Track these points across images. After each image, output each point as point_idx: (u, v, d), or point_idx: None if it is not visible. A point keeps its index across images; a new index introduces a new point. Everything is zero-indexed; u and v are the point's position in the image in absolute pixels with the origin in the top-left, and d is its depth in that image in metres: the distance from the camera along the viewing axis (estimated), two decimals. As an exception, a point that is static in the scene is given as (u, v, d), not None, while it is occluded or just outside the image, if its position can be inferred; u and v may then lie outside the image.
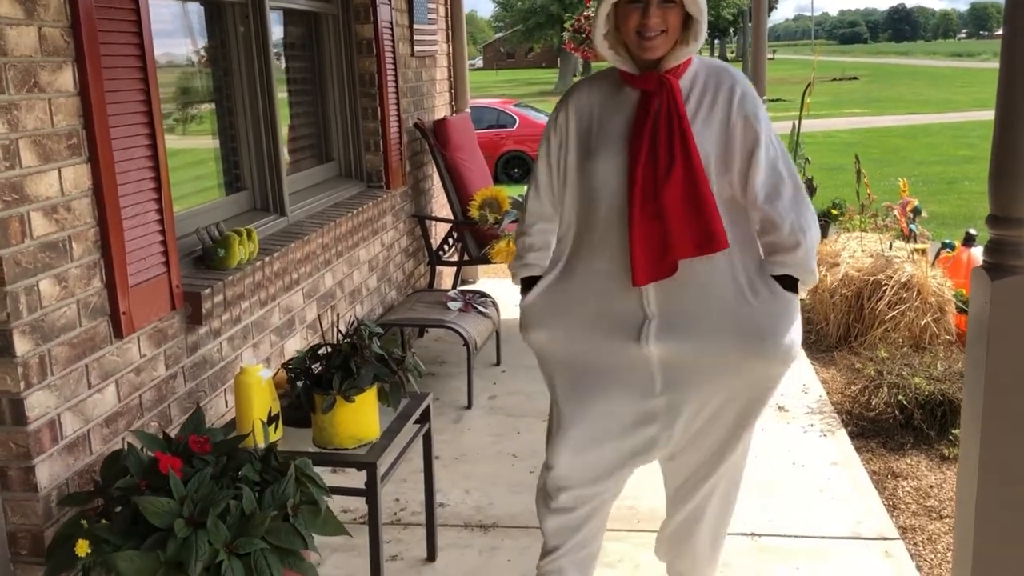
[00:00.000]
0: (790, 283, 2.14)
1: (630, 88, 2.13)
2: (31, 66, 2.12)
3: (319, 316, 3.79)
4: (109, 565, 1.87)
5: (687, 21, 2.04)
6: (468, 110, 6.28)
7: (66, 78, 2.24)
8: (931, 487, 3.42)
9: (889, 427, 3.86)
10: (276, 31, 4.07)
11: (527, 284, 2.34)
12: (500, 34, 75.28)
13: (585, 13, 5.99)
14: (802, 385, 4.38)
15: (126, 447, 2.21)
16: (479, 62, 76.97)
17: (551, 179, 2.27)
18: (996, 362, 1.91)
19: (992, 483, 1.98)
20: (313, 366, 2.55)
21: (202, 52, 3.50)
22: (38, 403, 2.13)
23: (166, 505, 1.93)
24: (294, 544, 2.02)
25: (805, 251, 2.10)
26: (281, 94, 3.91)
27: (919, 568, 2.89)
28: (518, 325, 2.38)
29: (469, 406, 4.19)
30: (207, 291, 2.77)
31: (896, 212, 5.41)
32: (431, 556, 2.97)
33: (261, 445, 2.27)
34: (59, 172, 2.21)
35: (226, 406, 3.01)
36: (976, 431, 2.00)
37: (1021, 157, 1.81)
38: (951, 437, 3.68)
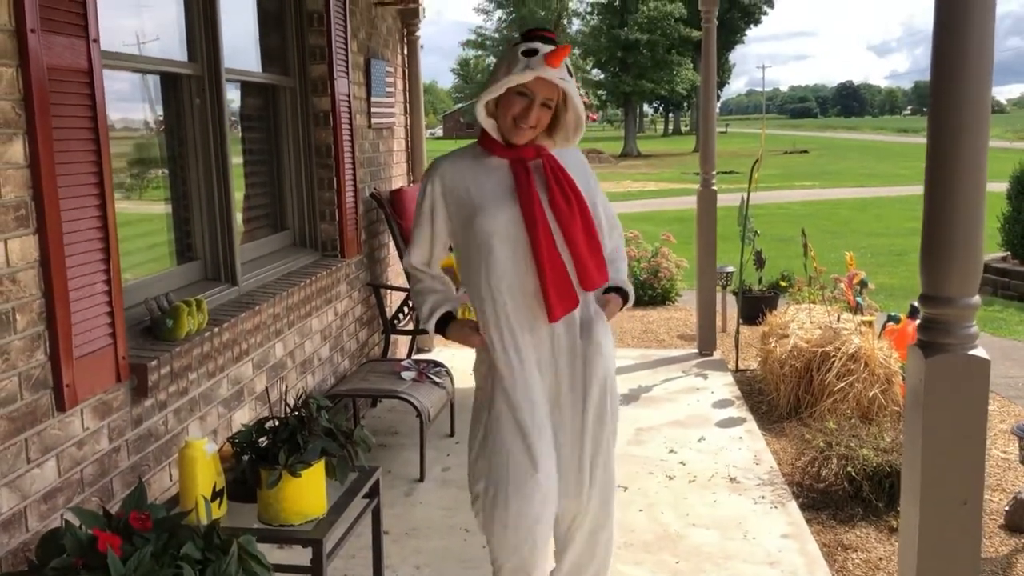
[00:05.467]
0: (622, 293, 2.67)
1: (496, 158, 2.46)
2: (-20, 138, 2.12)
3: (268, 387, 3.75)
4: (40, 649, 1.81)
5: (555, 123, 2.47)
6: (425, 181, 6.34)
7: (16, 150, 2.23)
8: (880, 559, 3.44)
9: (839, 499, 3.89)
10: (233, 101, 4.11)
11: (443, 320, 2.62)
12: (460, 104, 76.41)
13: None
14: (753, 456, 4.41)
15: (64, 524, 2.15)
16: (439, 131, 77.85)
17: (429, 234, 2.58)
18: (931, 436, 1.95)
19: (931, 556, 2.01)
20: (259, 440, 2.52)
21: (157, 122, 3.51)
22: (-27, 479, 2.08)
23: (103, 585, 1.88)
24: (235, 625, 1.98)
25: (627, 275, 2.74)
26: (236, 161, 3.92)
27: (868, 642, 2.90)
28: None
29: (421, 478, 4.15)
30: (154, 363, 2.74)
31: (843, 285, 5.53)
32: (379, 634, 2.90)
33: (205, 522, 2.23)
34: (5, 244, 2.20)
35: (171, 480, 2.96)
36: (916, 504, 2.03)
37: (948, 238, 1.88)
38: (899, 509, 3.72)
